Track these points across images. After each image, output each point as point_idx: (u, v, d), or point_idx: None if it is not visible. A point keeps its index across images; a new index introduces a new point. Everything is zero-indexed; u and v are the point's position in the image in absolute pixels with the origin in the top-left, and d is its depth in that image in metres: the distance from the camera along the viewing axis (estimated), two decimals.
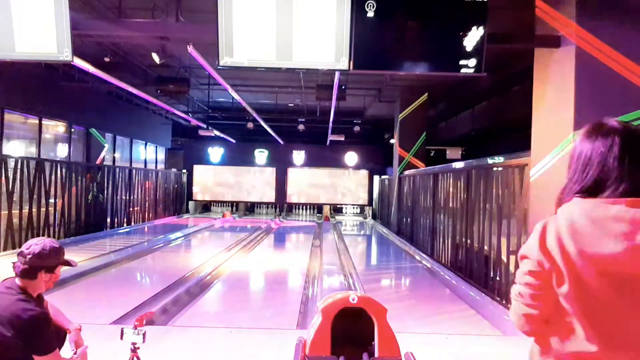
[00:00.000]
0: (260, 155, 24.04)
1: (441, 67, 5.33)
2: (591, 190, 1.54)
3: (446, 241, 9.91)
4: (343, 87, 12.62)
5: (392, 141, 18.92)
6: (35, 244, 2.60)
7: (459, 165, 9.98)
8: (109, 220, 15.36)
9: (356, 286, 7.87)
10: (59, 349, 2.62)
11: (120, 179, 16.22)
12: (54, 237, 11.81)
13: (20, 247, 2.70)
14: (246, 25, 5.27)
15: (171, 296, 6.94)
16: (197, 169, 23.81)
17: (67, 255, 2.75)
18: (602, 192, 1.52)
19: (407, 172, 15.17)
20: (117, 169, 16.32)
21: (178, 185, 22.77)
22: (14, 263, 2.61)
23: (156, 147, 21.79)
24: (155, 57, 9.80)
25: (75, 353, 2.75)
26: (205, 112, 19.94)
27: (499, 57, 10.22)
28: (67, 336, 2.81)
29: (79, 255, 9.32)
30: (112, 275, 8.80)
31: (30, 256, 2.56)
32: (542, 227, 1.55)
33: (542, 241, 1.52)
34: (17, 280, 2.57)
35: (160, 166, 22.35)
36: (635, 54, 5.01)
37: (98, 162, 15.43)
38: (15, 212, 10.61)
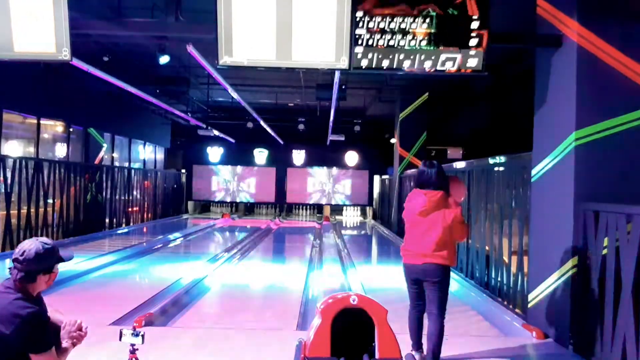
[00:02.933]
0: (260, 155, 24.01)
1: (442, 67, 5.29)
2: (421, 186, 4.44)
3: None
4: (343, 87, 12.59)
5: (392, 141, 18.91)
6: (29, 249, 2.55)
7: (460, 165, 9.94)
8: (107, 220, 15.33)
9: (356, 287, 7.85)
10: (56, 347, 2.59)
11: (119, 179, 16.19)
12: (52, 237, 11.79)
13: None
14: (246, 25, 5.24)
15: (171, 297, 6.91)
16: (197, 169, 23.78)
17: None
18: (425, 188, 4.42)
19: (407, 172, 15.15)
20: (116, 169, 16.29)
21: (177, 185, 22.74)
22: (10, 269, 2.57)
23: (155, 146, 21.76)
24: (164, 58, 9.83)
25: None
26: (204, 112, 19.91)
27: (500, 56, 10.20)
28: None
29: (78, 256, 9.28)
30: (111, 276, 8.77)
31: (26, 262, 2.53)
32: (407, 198, 4.57)
33: (405, 203, 4.57)
34: (16, 282, 2.55)
35: (160, 166, 22.32)
36: (638, 53, 4.98)
37: (97, 162, 15.40)
38: (14, 212, 10.58)
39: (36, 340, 2.44)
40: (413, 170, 14.70)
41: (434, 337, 4.32)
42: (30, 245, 2.57)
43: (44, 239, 2.66)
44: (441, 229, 4.29)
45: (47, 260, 2.58)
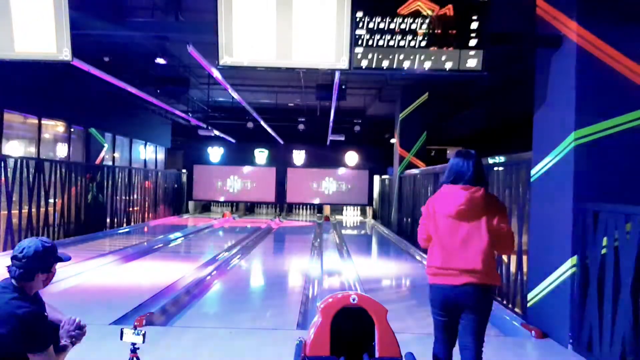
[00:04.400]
0: (260, 155, 24.03)
1: (442, 67, 5.31)
2: (454, 181, 3.39)
3: None
4: (343, 87, 12.61)
5: (392, 141, 18.92)
6: (28, 247, 2.57)
7: None
8: (108, 220, 15.34)
9: (356, 286, 7.86)
10: (55, 346, 2.60)
11: (119, 179, 16.20)
12: (53, 237, 11.81)
13: None
14: (246, 25, 5.26)
15: (171, 296, 6.92)
16: (197, 169, 23.80)
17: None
18: (458, 183, 3.37)
19: (407, 172, 15.16)
20: (117, 169, 16.30)
21: (178, 185, 22.76)
22: (8, 267, 2.58)
23: (156, 146, 21.77)
24: (160, 60, 9.92)
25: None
26: (205, 112, 19.93)
27: (499, 56, 10.21)
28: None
29: (78, 256, 9.31)
30: (111, 275, 8.78)
31: (25, 259, 2.54)
32: (430, 198, 3.51)
33: (428, 204, 3.47)
34: (13, 281, 2.56)
35: (160, 166, 22.33)
36: (637, 54, 4.99)
37: (97, 162, 15.42)
38: (15, 212, 10.60)
39: (33, 339, 2.44)
40: (413, 170, 14.71)
41: None
42: (30, 244, 2.58)
43: (44, 238, 2.68)
44: (487, 235, 3.30)
45: (46, 259, 2.59)
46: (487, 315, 3.39)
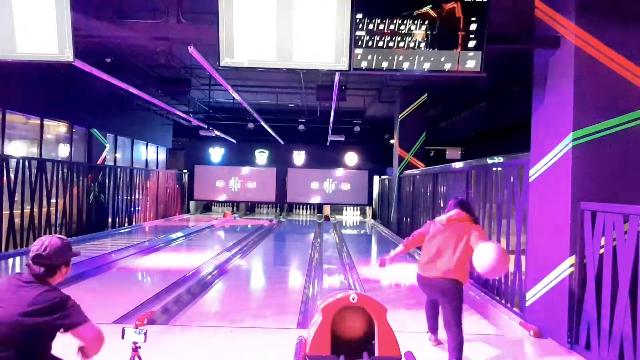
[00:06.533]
0: (261, 155, 24.06)
1: (441, 68, 5.34)
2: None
3: None
4: (343, 88, 12.64)
5: (392, 141, 18.96)
6: (49, 244, 2.68)
7: (458, 165, 9.99)
8: (110, 220, 15.39)
9: (356, 285, 7.90)
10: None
11: (121, 179, 16.25)
12: None
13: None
14: (247, 26, 5.30)
15: (172, 295, 6.97)
16: (198, 169, 23.85)
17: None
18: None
19: (407, 172, 15.19)
20: (119, 169, 16.35)
21: (179, 185, 22.81)
22: (29, 265, 2.66)
23: (157, 147, 21.82)
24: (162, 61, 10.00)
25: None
26: (206, 113, 19.97)
27: (498, 57, 10.24)
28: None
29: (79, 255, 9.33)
30: (113, 275, 8.83)
31: (49, 257, 2.66)
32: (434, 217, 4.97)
33: (432, 219, 4.96)
34: (34, 277, 2.64)
35: (161, 166, 22.38)
36: (635, 55, 5.03)
37: (99, 162, 15.46)
38: (17, 212, 10.64)
39: (76, 315, 2.58)
40: (413, 170, 14.75)
41: None
42: (51, 241, 2.71)
43: (57, 235, 2.82)
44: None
45: (68, 253, 2.74)
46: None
